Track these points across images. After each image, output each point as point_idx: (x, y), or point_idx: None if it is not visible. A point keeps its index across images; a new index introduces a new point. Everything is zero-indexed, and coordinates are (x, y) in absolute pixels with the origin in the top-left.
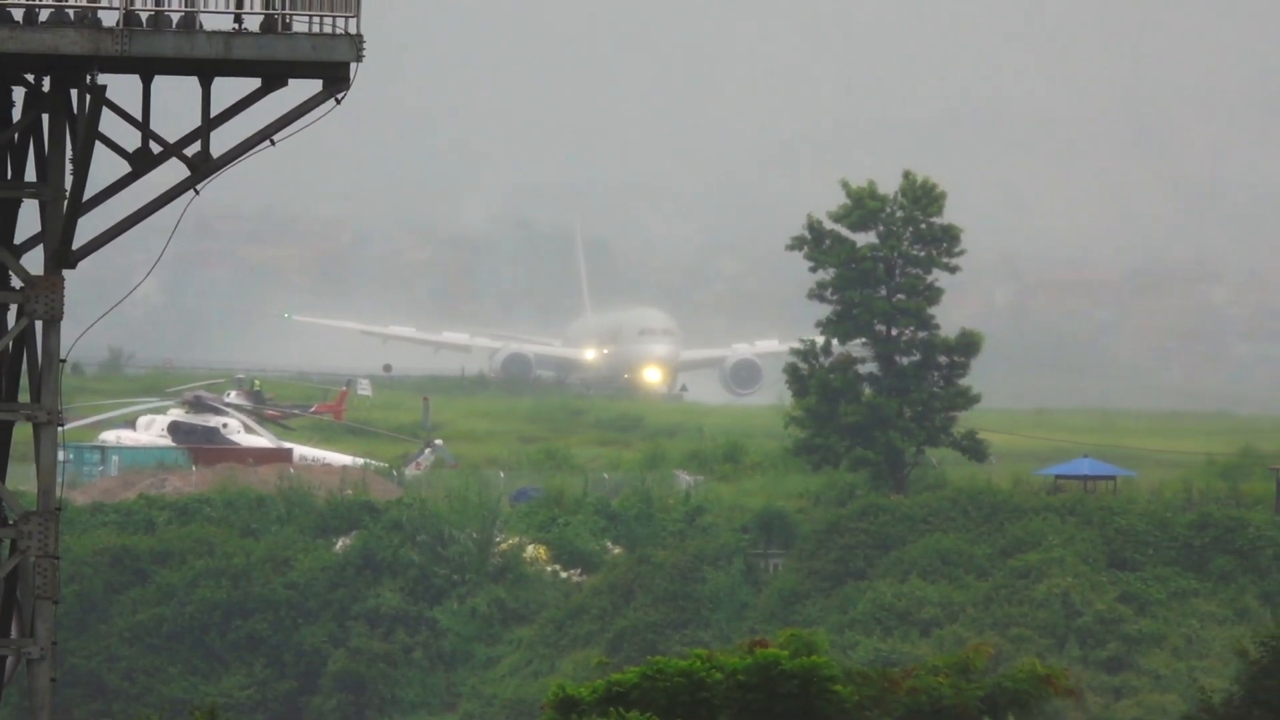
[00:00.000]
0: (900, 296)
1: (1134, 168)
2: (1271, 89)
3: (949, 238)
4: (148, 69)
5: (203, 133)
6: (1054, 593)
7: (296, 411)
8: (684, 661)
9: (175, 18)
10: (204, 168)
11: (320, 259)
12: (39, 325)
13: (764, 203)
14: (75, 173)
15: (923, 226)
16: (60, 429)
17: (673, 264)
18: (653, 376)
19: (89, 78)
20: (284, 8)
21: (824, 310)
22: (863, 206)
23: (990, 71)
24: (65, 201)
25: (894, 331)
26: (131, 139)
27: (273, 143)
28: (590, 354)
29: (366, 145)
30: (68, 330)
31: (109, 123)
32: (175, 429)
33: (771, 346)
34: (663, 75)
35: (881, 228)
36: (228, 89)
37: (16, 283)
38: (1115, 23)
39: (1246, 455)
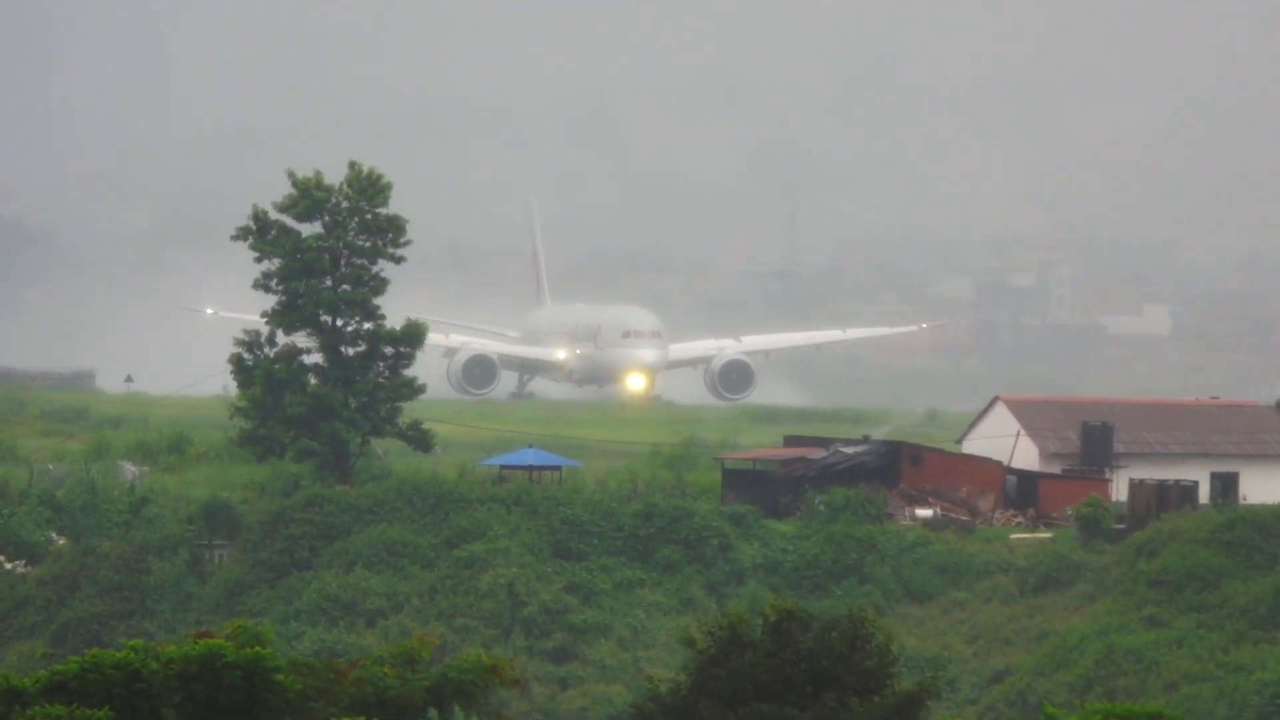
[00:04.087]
0: (346, 287)
1: (583, 157)
2: (718, 81)
3: (394, 228)
4: None
5: None
6: (499, 583)
7: None
8: (120, 653)
9: None
10: None
11: None
12: None
13: (211, 193)
14: None
15: (368, 217)
16: None
17: (119, 255)
18: (636, 384)
19: None
20: None
21: (269, 300)
22: (309, 197)
23: (439, 61)
24: None
25: (339, 322)
26: None
27: None
28: (561, 354)
29: None
30: None
31: None
32: None
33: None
34: (109, 62)
35: (327, 218)
36: None
37: None
38: (566, 13)
39: (691, 445)
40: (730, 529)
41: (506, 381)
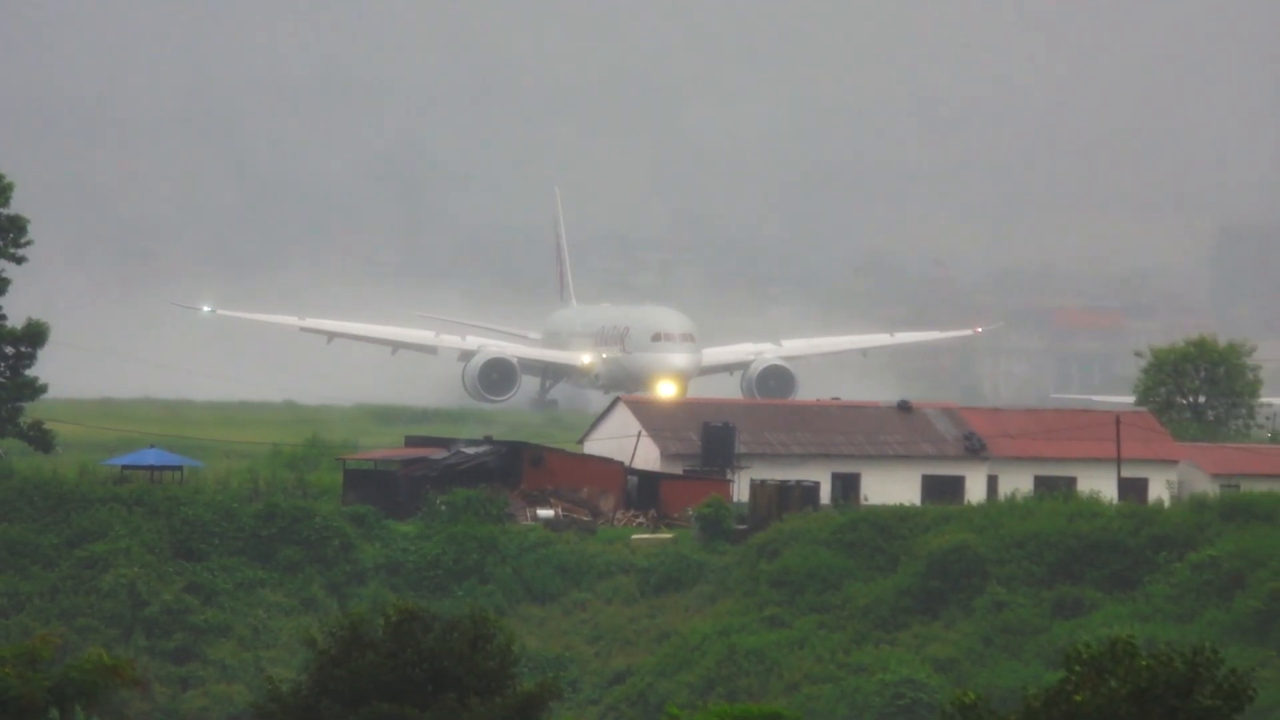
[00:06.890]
0: None
1: (200, 158)
2: (337, 83)
3: (16, 228)
4: None
5: None
6: (121, 583)
7: None
8: None
9: None
10: None
11: None
12: None
13: None
14: None
15: None
16: None
17: None
18: (667, 390)
19: None
20: None
21: None
22: None
23: (50, 59)
24: None
25: None
26: None
27: None
28: (586, 358)
29: None
30: None
31: None
32: None
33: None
34: None
35: None
36: None
37: None
38: (184, 10)
39: (314, 446)
40: (351, 529)
41: (527, 388)
